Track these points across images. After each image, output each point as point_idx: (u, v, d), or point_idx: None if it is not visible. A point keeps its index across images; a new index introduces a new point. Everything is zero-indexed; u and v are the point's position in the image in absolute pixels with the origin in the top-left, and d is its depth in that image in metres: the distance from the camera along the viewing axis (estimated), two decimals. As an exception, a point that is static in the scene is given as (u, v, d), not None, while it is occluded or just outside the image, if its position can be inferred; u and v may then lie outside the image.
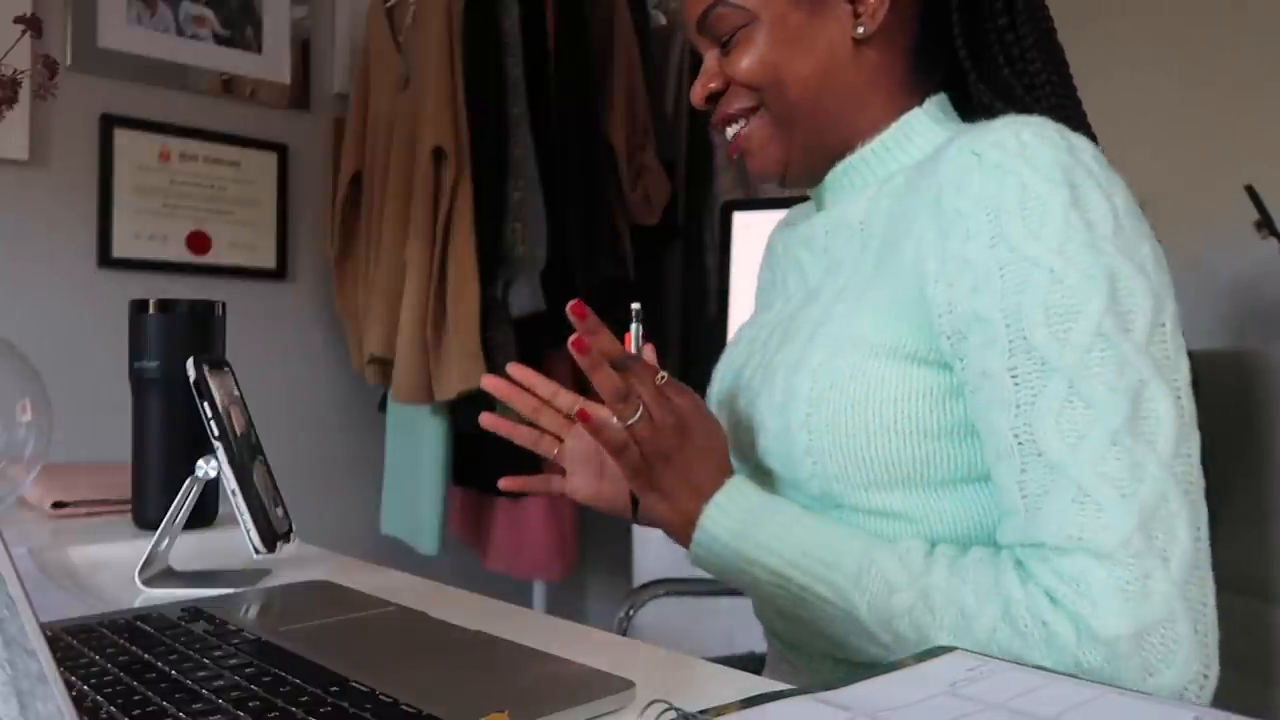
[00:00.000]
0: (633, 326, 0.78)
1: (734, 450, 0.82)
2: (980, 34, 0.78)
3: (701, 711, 0.46)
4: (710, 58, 0.82)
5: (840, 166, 0.82)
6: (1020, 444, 0.63)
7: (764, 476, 0.79)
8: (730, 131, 0.83)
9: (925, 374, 0.70)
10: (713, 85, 0.82)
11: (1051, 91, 0.78)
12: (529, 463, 2.08)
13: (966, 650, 0.56)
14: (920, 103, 0.81)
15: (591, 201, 2.12)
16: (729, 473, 0.75)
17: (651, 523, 0.79)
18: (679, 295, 2.44)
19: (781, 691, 0.50)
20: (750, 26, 0.78)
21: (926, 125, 0.80)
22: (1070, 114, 0.78)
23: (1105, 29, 1.94)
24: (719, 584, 1.07)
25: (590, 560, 2.48)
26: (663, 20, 2.50)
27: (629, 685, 0.51)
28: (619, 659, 0.58)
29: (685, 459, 0.73)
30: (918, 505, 0.71)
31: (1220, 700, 0.60)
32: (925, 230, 0.70)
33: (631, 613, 1.29)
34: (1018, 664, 0.54)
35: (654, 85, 2.33)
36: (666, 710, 0.46)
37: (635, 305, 0.79)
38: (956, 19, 0.78)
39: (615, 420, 0.72)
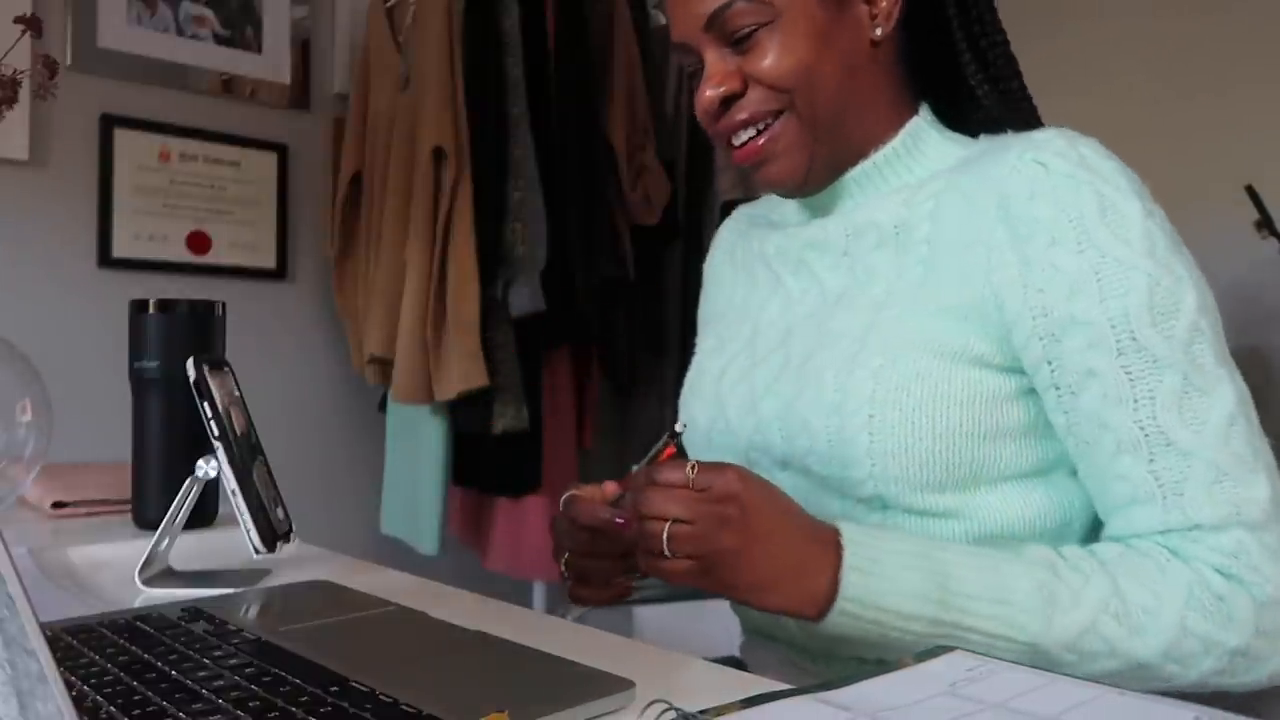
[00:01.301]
0: (662, 439, 0.72)
1: (760, 454, 0.81)
2: (965, 39, 0.80)
3: (701, 711, 0.46)
4: (716, 58, 0.77)
5: (852, 174, 0.82)
6: (1147, 436, 0.67)
7: (800, 477, 0.78)
8: (743, 137, 0.79)
9: (988, 377, 0.72)
10: (730, 86, 0.76)
11: (1022, 96, 0.81)
12: (530, 464, 2.08)
13: (967, 650, 0.56)
14: (915, 109, 0.82)
15: (591, 201, 2.12)
16: (814, 525, 0.67)
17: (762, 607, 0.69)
18: (679, 295, 2.44)
19: (781, 691, 0.50)
20: (772, 25, 0.75)
21: (928, 132, 0.81)
22: (1034, 118, 0.82)
23: (1105, 29, 1.94)
24: (653, 594, 1.02)
25: (590, 560, 2.47)
26: (663, 20, 2.50)
27: (629, 685, 0.51)
28: (619, 659, 0.58)
29: (764, 534, 0.65)
30: (965, 504, 0.72)
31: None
32: (994, 236, 0.71)
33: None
34: (1017, 664, 0.54)
35: (654, 85, 2.33)
36: (666, 710, 0.46)
37: (679, 426, 0.72)
38: (957, 24, 0.79)
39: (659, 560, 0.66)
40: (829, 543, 0.66)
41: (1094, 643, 0.64)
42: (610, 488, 0.76)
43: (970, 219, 0.73)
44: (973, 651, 0.65)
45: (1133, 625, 0.64)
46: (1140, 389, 0.67)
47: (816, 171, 0.80)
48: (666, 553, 0.64)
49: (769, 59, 0.75)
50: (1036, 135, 0.72)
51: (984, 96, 0.80)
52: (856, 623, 0.65)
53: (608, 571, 0.77)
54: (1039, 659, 0.65)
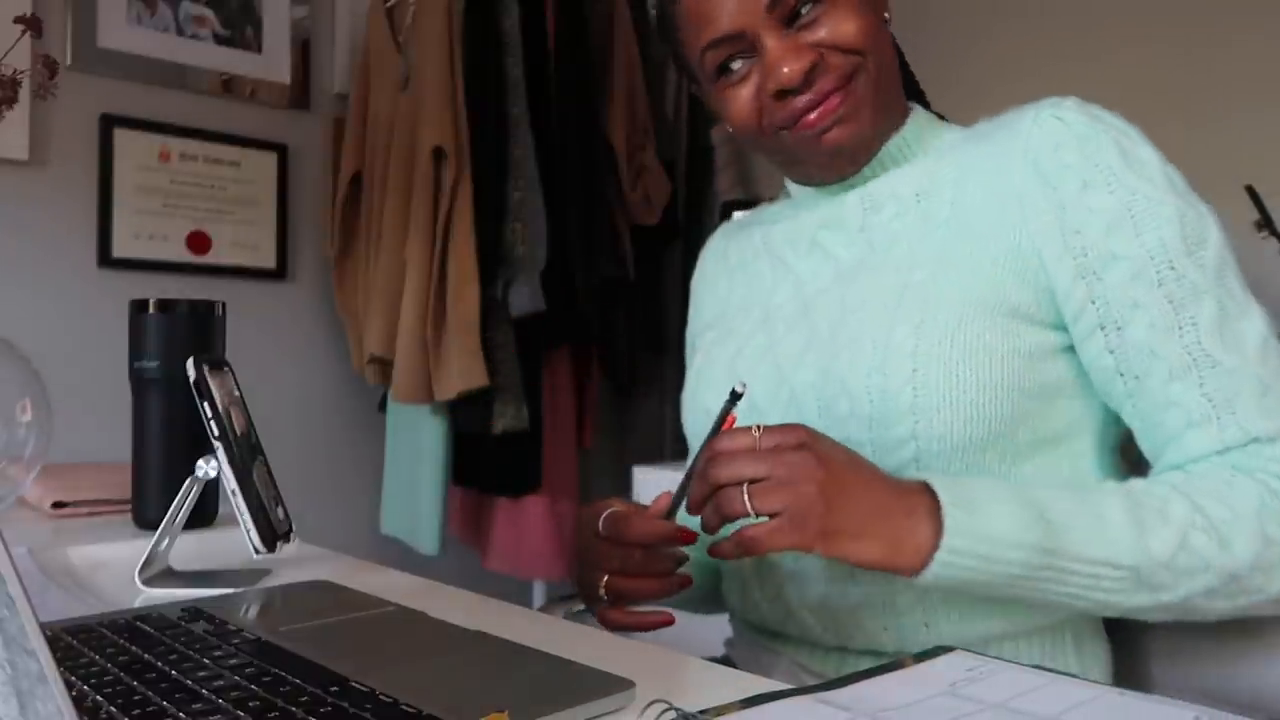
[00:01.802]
0: (724, 405, 0.69)
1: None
2: None
3: (701, 711, 0.46)
4: (779, 39, 0.76)
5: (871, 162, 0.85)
6: (1194, 360, 0.69)
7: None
8: (817, 108, 0.77)
9: (1026, 331, 0.73)
10: (810, 57, 0.76)
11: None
12: (530, 464, 2.08)
13: (967, 650, 0.56)
14: (910, 104, 0.87)
15: (591, 201, 2.12)
16: (892, 476, 0.67)
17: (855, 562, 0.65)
18: (679, 295, 2.44)
19: (781, 691, 0.50)
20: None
21: (931, 122, 0.86)
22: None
23: (1103, 27, 1.94)
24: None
25: (590, 560, 2.48)
26: (663, 20, 2.50)
27: (629, 685, 0.51)
28: (619, 659, 0.58)
29: (845, 481, 0.64)
30: (1001, 470, 0.73)
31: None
32: (1025, 188, 0.74)
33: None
34: (1019, 664, 0.54)
35: (654, 85, 2.33)
36: (666, 710, 0.46)
37: (739, 387, 0.68)
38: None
39: (751, 527, 0.64)
40: (915, 490, 0.65)
41: (1189, 559, 0.65)
42: (663, 500, 0.74)
43: (996, 177, 0.76)
44: (1072, 589, 0.65)
45: (1220, 538, 0.65)
46: (1183, 315, 0.70)
47: (881, 131, 0.82)
48: (750, 514, 0.62)
49: (840, 26, 0.77)
50: (1045, 100, 0.77)
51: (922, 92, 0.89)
52: (962, 561, 0.63)
53: (653, 591, 0.75)
54: (1140, 583, 0.65)
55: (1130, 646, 0.81)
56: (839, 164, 0.83)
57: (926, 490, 0.65)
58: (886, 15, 0.82)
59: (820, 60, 0.77)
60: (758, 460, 0.63)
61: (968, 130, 0.84)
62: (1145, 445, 0.74)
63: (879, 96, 0.79)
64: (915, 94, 0.91)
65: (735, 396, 0.67)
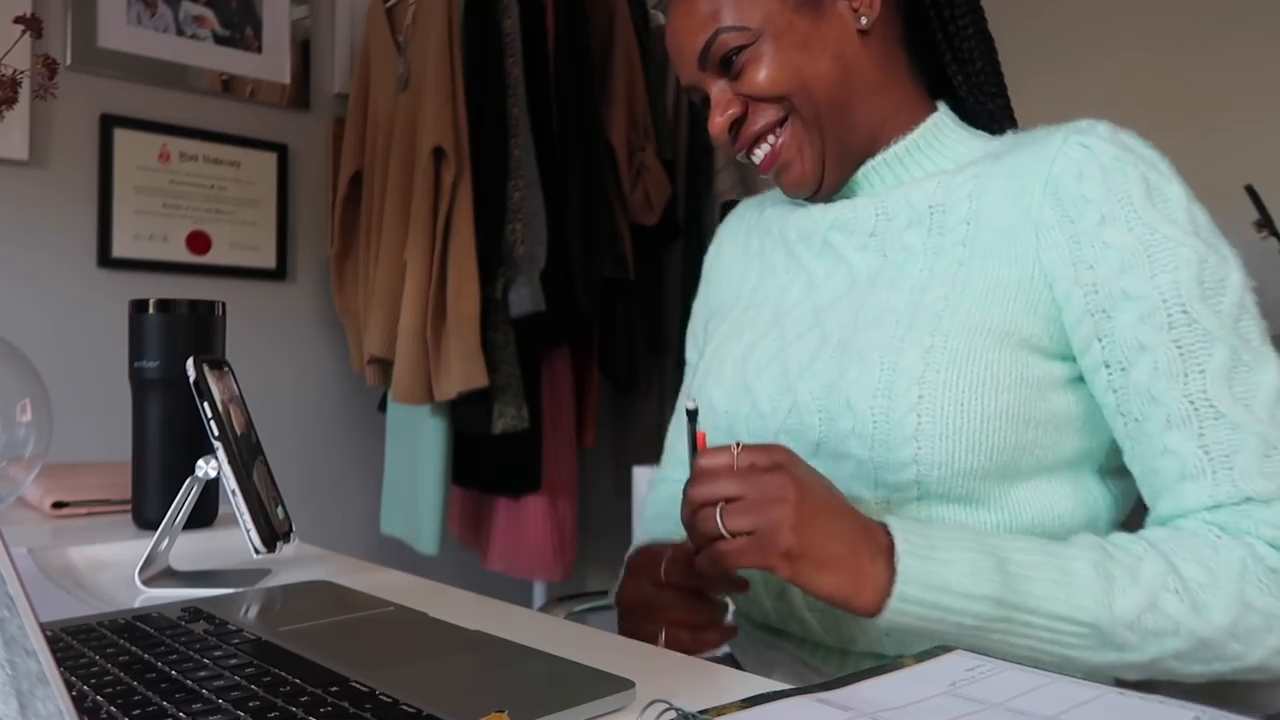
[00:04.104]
0: (687, 428, 0.70)
1: (791, 438, 0.80)
2: (926, 22, 0.84)
3: (701, 711, 0.46)
4: (719, 90, 0.81)
5: (872, 164, 0.83)
6: (1196, 409, 0.67)
7: (833, 463, 0.77)
8: (760, 152, 0.83)
9: (1035, 361, 0.72)
10: (733, 111, 0.81)
11: (991, 84, 0.85)
12: (530, 464, 2.08)
13: (967, 650, 0.56)
14: (931, 99, 0.85)
15: (591, 201, 2.12)
16: (861, 514, 0.67)
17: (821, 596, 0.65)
18: (679, 295, 2.44)
19: (781, 691, 0.50)
20: (756, 44, 0.78)
21: (951, 128, 0.84)
22: (1004, 111, 0.85)
23: (1104, 28, 1.94)
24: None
25: (590, 560, 2.48)
26: (662, 20, 2.50)
27: (629, 685, 0.51)
28: (619, 659, 0.58)
29: (815, 508, 0.64)
30: (1000, 496, 0.73)
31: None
32: (1043, 216, 0.73)
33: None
34: (1019, 665, 0.53)
35: (654, 85, 2.33)
36: (666, 710, 0.46)
37: (690, 405, 0.71)
38: (930, 8, 0.83)
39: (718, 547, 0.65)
40: (879, 531, 0.65)
41: (1157, 621, 0.63)
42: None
43: (1015, 200, 0.75)
44: (1032, 641, 0.64)
45: (1194, 601, 0.63)
46: (1190, 362, 0.67)
47: (832, 167, 0.83)
48: (724, 533, 0.64)
49: (759, 76, 0.79)
50: (1078, 123, 0.75)
51: (959, 85, 0.84)
52: (914, 609, 0.63)
53: (714, 644, 0.77)
54: (1104, 641, 0.64)
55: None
56: (808, 197, 0.85)
57: (888, 532, 0.65)
58: (864, 22, 0.79)
59: (745, 113, 0.81)
60: (733, 480, 0.64)
61: (995, 141, 0.82)
62: (1144, 491, 0.72)
63: (819, 132, 0.81)
64: (996, 91, 0.85)
65: (691, 415, 0.69)
